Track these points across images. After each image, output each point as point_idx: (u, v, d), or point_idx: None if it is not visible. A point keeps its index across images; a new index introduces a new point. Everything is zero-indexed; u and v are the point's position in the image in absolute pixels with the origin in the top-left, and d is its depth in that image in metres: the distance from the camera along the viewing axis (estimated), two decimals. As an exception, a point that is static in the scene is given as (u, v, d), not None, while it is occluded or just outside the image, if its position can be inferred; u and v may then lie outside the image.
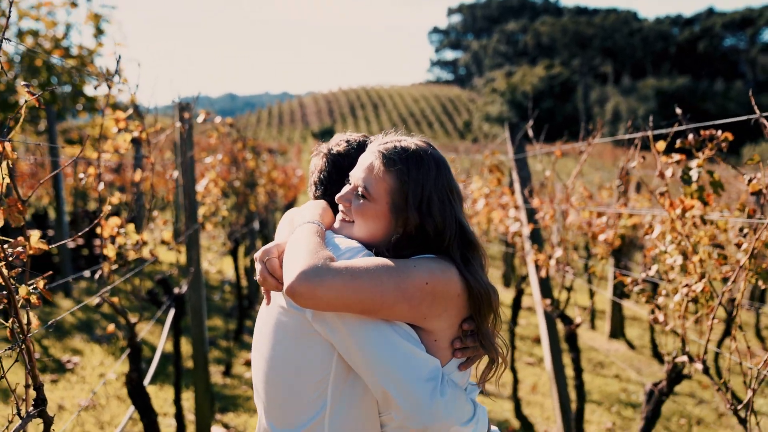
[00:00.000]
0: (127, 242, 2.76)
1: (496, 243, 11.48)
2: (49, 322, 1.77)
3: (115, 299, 2.66)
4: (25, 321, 1.56)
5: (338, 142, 1.75)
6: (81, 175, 2.55)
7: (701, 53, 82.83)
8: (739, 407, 2.16)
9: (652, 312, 2.71)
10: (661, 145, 2.46)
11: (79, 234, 1.97)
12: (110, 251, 2.64)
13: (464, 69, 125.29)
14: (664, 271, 2.64)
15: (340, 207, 1.59)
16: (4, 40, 1.44)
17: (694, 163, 2.37)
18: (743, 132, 2.55)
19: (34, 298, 1.59)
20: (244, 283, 7.46)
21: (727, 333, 5.89)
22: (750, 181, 2.09)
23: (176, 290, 4.06)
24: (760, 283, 2.19)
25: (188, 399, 4.81)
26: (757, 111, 2.04)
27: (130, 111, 2.78)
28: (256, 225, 8.43)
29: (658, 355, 6.78)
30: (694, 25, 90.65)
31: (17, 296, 1.53)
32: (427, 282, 1.40)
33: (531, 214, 4.29)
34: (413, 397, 1.35)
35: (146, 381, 3.10)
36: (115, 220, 2.67)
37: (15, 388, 1.53)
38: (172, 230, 8.67)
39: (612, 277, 7.35)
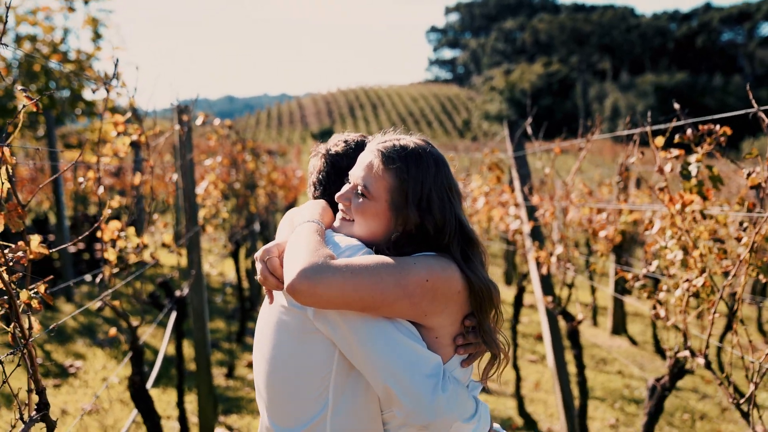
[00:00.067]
0: (128, 245, 2.76)
1: (496, 241, 11.48)
2: (51, 326, 1.77)
3: (117, 303, 2.66)
4: (26, 326, 1.56)
5: (336, 143, 1.76)
6: (81, 179, 2.55)
7: (699, 48, 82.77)
8: (742, 401, 2.16)
9: (654, 307, 2.71)
10: (660, 140, 2.46)
11: (80, 238, 1.97)
12: (111, 255, 2.64)
13: (462, 68, 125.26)
14: (664, 267, 2.64)
15: (340, 206, 1.59)
16: (1, 46, 1.44)
17: (693, 158, 2.37)
18: (742, 126, 2.54)
19: (35, 303, 1.59)
20: (245, 285, 7.47)
21: (728, 328, 5.89)
22: (749, 175, 2.09)
23: (178, 293, 4.06)
24: (760, 277, 2.19)
25: (191, 401, 4.81)
26: (755, 105, 2.04)
27: (129, 114, 2.78)
28: (257, 227, 8.43)
29: (660, 351, 6.77)
30: (692, 20, 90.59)
31: (18, 301, 1.54)
32: (427, 279, 1.40)
33: (531, 211, 4.29)
34: (415, 393, 1.36)
35: (149, 384, 3.11)
36: (115, 224, 2.67)
37: (17, 392, 1.53)
38: (172, 233, 8.68)
39: (613, 273, 7.35)
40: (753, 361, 2.13)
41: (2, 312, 1.53)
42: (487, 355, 1.56)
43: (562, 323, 4.28)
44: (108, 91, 2.47)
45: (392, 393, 1.37)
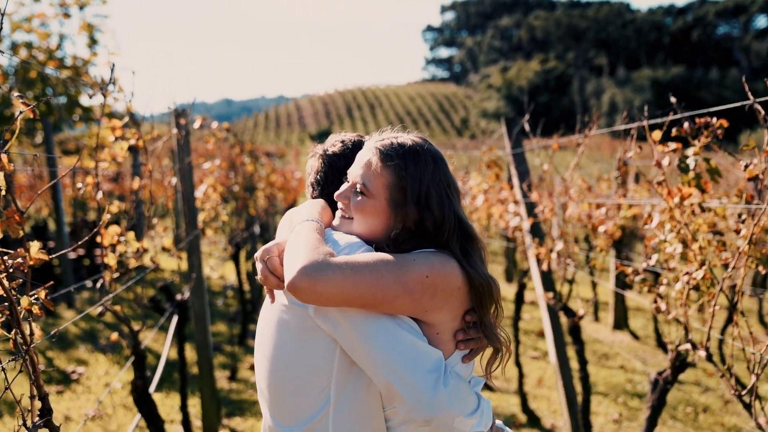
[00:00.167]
0: (128, 250, 2.76)
1: (496, 238, 11.49)
2: (52, 332, 1.77)
3: (118, 308, 2.67)
4: (27, 332, 1.57)
5: (333, 143, 1.76)
6: (79, 185, 2.55)
7: (695, 42, 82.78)
8: (744, 392, 2.16)
9: (655, 301, 2.71)
10: (657, 134, 2.46)
11: (79, 243, 1.98)
12: (111, 260, 2.64)
13: (459, 66, 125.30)
14: (664, 260, 2.64)
15: (339, 204, 1.60)
16: (-3, 53, 1.44)
17: (690, 152, 2.37)
18: (739, 119, 2.55)
19: (36, 309, 1.59)
20: (246, 287, 7.47)
21: (729, 320, 5.89)
22: (746, 167, 2.09)
23: (179, 297, 4.06)
24: (760, 268, 2.20)
25: (195, 405, 4.82)
26: (751, 97, 2.04)
27: (127, 119, 2.78)
28: (257, 229, 8.43)
29: (662, 345, 6.78)
30: (687, 14, 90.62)
31: (19, 307, 1.54)
32: (427, 275, 1.41)
33: (530, 208, 4.29)
34: (416, 388, 1.36)
35: (152, 388, 3.11)
36: (115, 229, 2.67)
37: (20, 398, 1.54)
38: (172, 237, 8.67)
39: (613, 268, 7.35)
40: (754, 352, 2.13)
41: (3, 319, 1.53)
42: (490, 351, 1.57)
43: (564, 319, 4.28)
44: (105, 96, 2.47)
45: (394, 389, 1.37)
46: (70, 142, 12.37)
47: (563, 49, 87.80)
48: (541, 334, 7.23)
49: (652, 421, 2.83)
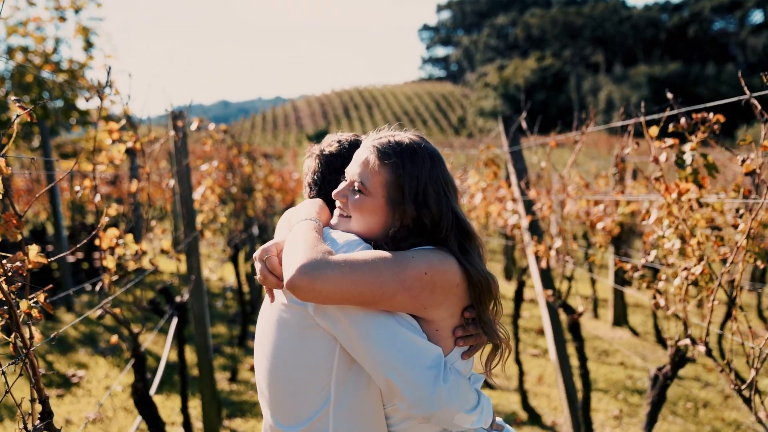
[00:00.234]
0: (127, 253, 2.76)
1: (495, 237, 11.50)
2: (52, 335, 1.77)
3: (117, 310, 2.66)
4: (27, 335, 1.57)
5: (330, 143, 1.77)
6: (77, 188, 2.55)
7: (691, 38, 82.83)
8: (743, 387, 2.16)
9: (654, 297, 2.72)
10: (654, 130, 2.47)
11: (78, 246, 1.97)
12: (110, 262, 2.64)
13: (456, 65, 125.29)
14: (663, 256, 2.65)
15: (337, 203, 1.60)
16: (-7, 56, 1.44)
17: (687, 147, 2.38)
18: (736, 114, 2.55)
19: (35, 312, 1.59)
20: (245, 288, 7.46)
21: (728, 315, 5.90)
22: (743, 161, 2.09)
23: (178, 299, 4.06)
24: (758, 263, 2.20)
25: (195, 407, 4.81)
26: (748, 92, 2.04)
27: (124, 122, 2.78)
28: (255, 230, 8.43)
29: (662, 341, 6.79)
30: (683, 10, 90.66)
31: (18, 311, 1.54)
32: (425, 272, 1.41)
33: (529, 205, 4.29)
34: (416, 384, 1.37)
35: (152, 391, 3.11)
36: (113, 231, 2.67)
37: (21, 402, 1.53)
38: (171, 239, 8.66)
39: (612, 264, 7.36)
40: (753, 347, 2.14)
41: (2, 322, 1.53)
42: (489, 348, 1.57)
43: (563, 316, 4.29)
44: (102, 99, 2.47)
45: (394, 385, 1.38)
46: (68, 145, 12.36)
47: (559, 46, 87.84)
48: (540, 332, 7.24)
49: (652, 417, 2.84)
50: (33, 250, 1.64)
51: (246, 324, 6.64)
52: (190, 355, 5.72)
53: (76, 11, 11.39)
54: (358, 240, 1.51)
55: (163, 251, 3.45)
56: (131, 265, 2.78)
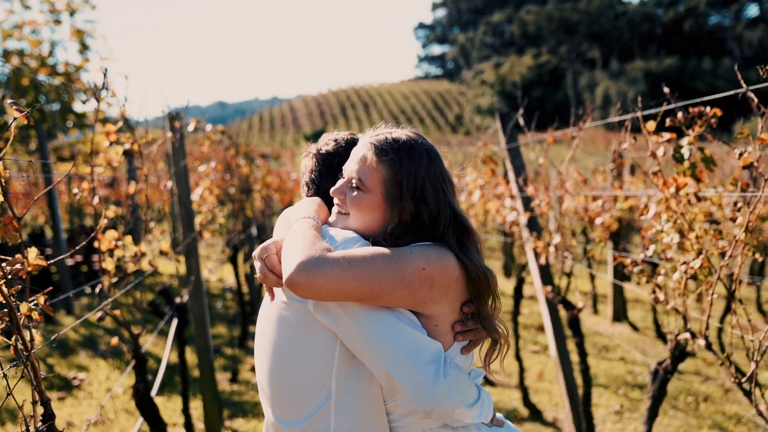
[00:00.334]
0: (126, 255, 2.76)
1: (494, 234, 11.50)
2: (52, 337, 1.77)
3: (117, 312, 2.66)
4: (28, 338, 1.57)
5: (326, 142, 1.77)
6: (75, 191, 2.55)
7: (687, 32, 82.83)
8: (743, 380, 2.17)
9: (653, 292, 2.72)
10: (651, 125, 2.47)
11: (77, 249, 1.97)
12: (109, 264, 2.64)
13: (452, 63, 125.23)
14: (662, 251, 2.65)
15: (335, 200, 1.61)
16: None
17: (685, 141, 2.38)
18: (733, 108, 2.56)
19: (35, 315, 1.59)
20: (245, 289, 7.46)
21: (728, 309, 5.91)
22: (741, 155, 2.10)
23: (178, 300, 4.06)
24: (757, 256, 2.21)
25: (197, 408, 4.81)
26: (744, 85, 2.05)
27: (121, 124, 2.78)
28: (254, 231, 8.43)
29: (662, 336, 6.80)
30: (679, 4, 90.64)
31: (18, 313, 1.54)
32: (424, 268, 1.41)
33: (527, 202, 4.30)
34: (417, 379, 1.37)
35: (153, 392, 3.11)
36: (112, 233, 2.67)
37: (22, 405, 1.54)
38: (170, 240, 8.66)
39: (611, 260, 7.36)
40: (753, 340, 2.14)
41: (3, 326, 1.53)
42: (488, 343, 1.58)
43: (563, 312, 4.29)
44: (98, 101, 2.47)
45: (394, 381, 1.39)
46: (65, 148, 12.35)
47: (556, 43, 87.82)
48: (540, 329, 7.24)
49: (653, 412, 2.84)
50: (32, 253, 1.64)
51: (246, 324, 6.64)
52: (191, 356, 5.72)
53: (71, 14, 11.38)
54: (357, 237, 1.52)
55: (162, 253, 3.45)
56: (130, 267, 2.78)
